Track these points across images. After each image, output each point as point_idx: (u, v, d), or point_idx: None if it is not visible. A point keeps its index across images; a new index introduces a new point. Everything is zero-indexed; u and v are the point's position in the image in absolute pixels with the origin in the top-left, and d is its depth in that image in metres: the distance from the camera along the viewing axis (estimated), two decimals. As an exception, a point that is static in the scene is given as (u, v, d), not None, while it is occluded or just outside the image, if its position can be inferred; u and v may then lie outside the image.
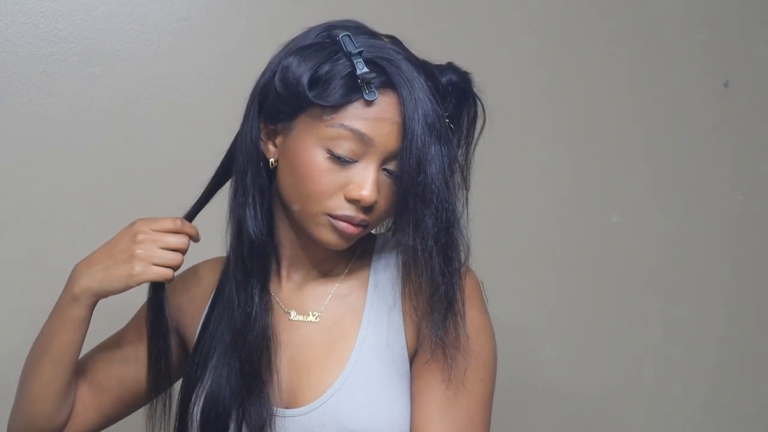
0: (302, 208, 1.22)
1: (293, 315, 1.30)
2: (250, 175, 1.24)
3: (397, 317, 1.28)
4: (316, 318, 1.29)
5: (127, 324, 1.42)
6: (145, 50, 1.84)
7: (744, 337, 2.32)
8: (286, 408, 1.26)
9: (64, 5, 1.79)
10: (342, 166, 1.19)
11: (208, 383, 1.27)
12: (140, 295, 1.36)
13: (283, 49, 1.25)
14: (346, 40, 1.19)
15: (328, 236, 1.22)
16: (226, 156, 1.32)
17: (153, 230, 1.27)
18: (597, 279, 2.20)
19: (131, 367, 1.37)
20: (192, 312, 1.37)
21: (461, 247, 1.21)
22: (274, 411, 1.25)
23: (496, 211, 2.01)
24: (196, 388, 1.29)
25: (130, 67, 1.83)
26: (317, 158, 1.19)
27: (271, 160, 1.25)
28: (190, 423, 1.29)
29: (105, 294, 1.28)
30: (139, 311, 1.40)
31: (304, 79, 1.17)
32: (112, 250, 1.28)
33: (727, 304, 2.30)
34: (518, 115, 2.11)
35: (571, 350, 2.18)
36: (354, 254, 1.32)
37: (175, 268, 1.27)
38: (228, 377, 1.26)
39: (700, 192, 2.27)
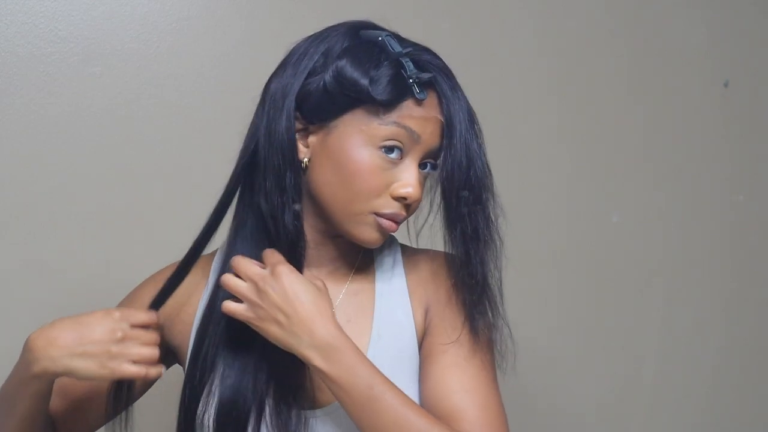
0: (346, 207, 1.22)
1: None
2: (289, 176, 1.22)
3: (407, 309, 1.30)
4: None
5: None
6: (145, 50, 1.84)
7: (744, 337, 2.32)
8: (306, 410, 1.25)
9: (64, 5, 1.79)
10: (389, 164, 1.21)
11: (218, 390, 1.25)
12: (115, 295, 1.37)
13: (304, 50, 1.24)
14: (391, 40, 1.22)
15: (370, 234, 1.23)
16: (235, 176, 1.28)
17: (132, 325, 1.20)
18: (597, 279, 2.20)
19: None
20: (180, 319, 1.33)
21: (499, 238, 1.28)
22: (295, 413, 1.24)
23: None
24: (204, 396, 1.27)
25: (130, 67, 1.83)
26: (368, 156, 1.20)
27: (305, 159, 1.24)
28: (200, 420, 1.26)
29: (67, 377, 1.21)
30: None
31: (365, 79, 1.19)
32: (83, 339, 1.18)
33: (727, 304, 2.30)
34: (518, 115, 2.11)
35: (571, 351, 2.18)
36: (359, 252, 1.33)
37: (151, 364, 1.20)
38: (245, 381, 1.24)
39: (700, 192, 2.27)
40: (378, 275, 1.32)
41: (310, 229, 1.28)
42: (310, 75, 1.22)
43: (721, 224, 2.29)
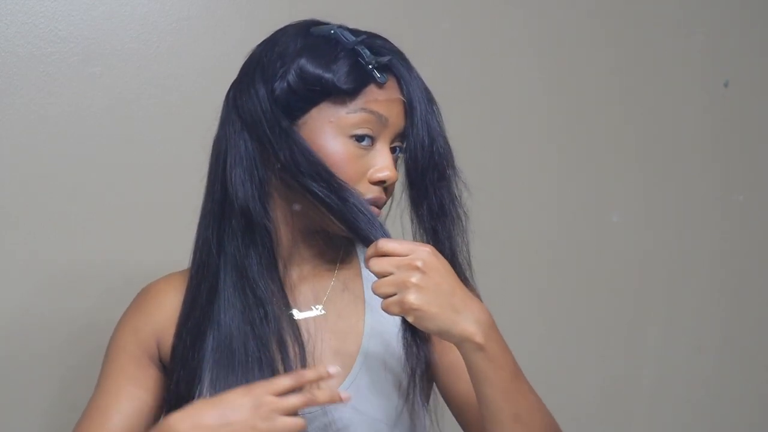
0: None
1: (296, 314, 1.29)
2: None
3: None
4: (320, 311, 1.30)
5: (107, 381, 1.31)
6: (145, 50, 1.84)
7: (744, 338, 2.32)
8: None
9: (64, 5, 1.79)
10: (362, 151, 1.23)
11: (211, 385, 1.24)
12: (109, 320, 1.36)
13: (258, 59, 1.26)
14: (343, 32, 1.24)
15: None
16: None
17: (273, 395, 1.15)
18: (597, 279, 2.20)
19: (143, 416, 1.30)
20: (170, 333, 1.31)
21: (464, 213, 1.28)
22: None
23: (496, 212, 2.01)
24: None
25: (130, 67, 1.83)
26: (341, 147, 1.22)
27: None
28: None
29: None
30: (109, 362, 1.32)
31: (327, 73, 1.21)
32: (227, 418, 1.14)
33: (728, 304, 2.30)
34: (518, 115, 2.11)
35: (570, 351, 2.18)
36: (341, 247, 1.34)
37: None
38: (239, 374, 1.23)
39: (700, 192, 2.27)
40: (364, 270, 1.33)
41: (289, 228, 1.28)
42: (272, 80, 1.23)
43: (721, 224, 2.28)
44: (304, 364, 1.25)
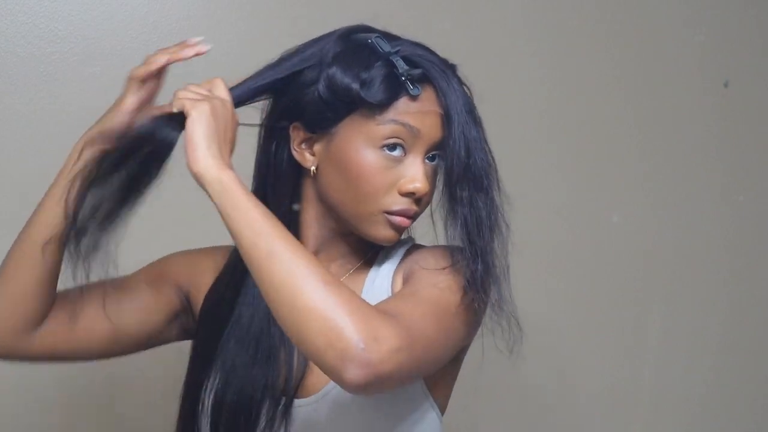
0: (357, 209, 1.24)
1: None
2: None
3: (389, 291, 1.30)
4: None
5: (134, 272, 1.40)
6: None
7: (744, 338, 2.32)
8: (295, 398, 1.27)
9: (64, 5, 1.79)
10: (393, 162, 1.22)
11: (219, 375, 1.28)
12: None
13: (295, 50, 1.27)
14: (380, 41, 1.23)
15: (385, 233, 1.25)
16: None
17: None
18: (597, 279, 2.20)
19: (125, 306, 1.36)
20: (201, 293, 1.37)
21: (505, 224, 1.30)
22: (283, 401, 1.26)
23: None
24: (205, 385, 1.30)
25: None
26: (370, 157, 1.22)
27: (312, 168, 1.26)
28: (200, 408, 1.29)
29: (106, 135, 1.29)
30: (149, 266, 1.40)
31: (355, 84, 1.21)
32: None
33: (727, 304, 2.30)
34: (519, 116, 2.11)
35: (570, 350, 2.18)
36: (365, 254, 1.34)
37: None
38: (244, 368, 1.27)
39: (700, 192, 2.27)
40: (372, 271, 1.33)
41: (321, 228, 1.30)
42: (305, 86, 1.24)
43: (721, 225, 2.29)
44: (304, 365, 1.27)
